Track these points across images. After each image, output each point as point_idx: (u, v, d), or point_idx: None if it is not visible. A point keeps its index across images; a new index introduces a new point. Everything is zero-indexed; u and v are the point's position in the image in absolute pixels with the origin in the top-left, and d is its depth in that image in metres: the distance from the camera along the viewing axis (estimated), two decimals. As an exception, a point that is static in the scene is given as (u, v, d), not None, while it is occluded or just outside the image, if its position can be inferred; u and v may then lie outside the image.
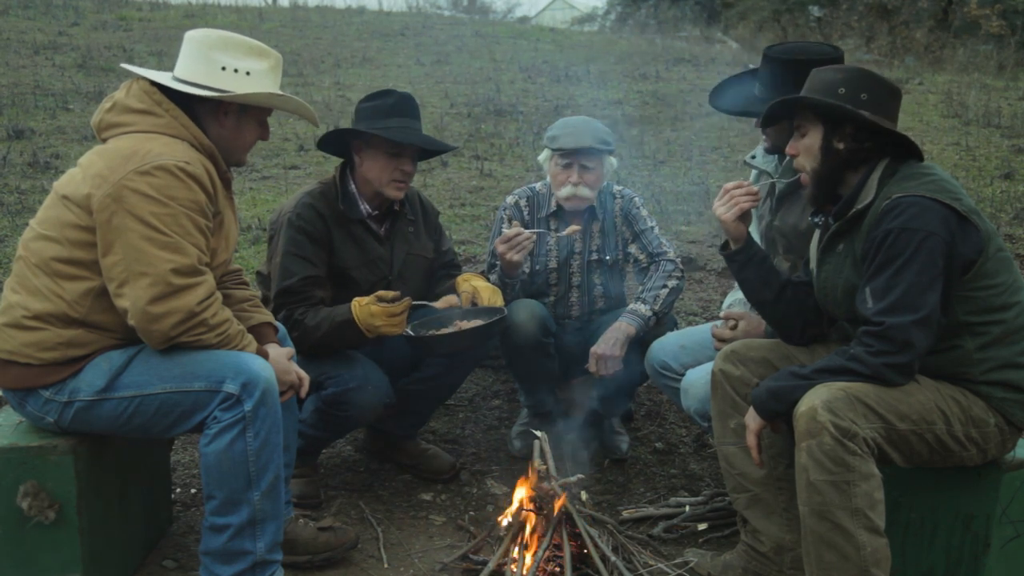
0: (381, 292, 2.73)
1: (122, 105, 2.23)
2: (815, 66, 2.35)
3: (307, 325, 2.76)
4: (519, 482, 2.67)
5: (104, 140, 2.24)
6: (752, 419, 2.27)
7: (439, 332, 2.89)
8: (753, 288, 2.55)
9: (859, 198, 2.24)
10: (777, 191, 2.80)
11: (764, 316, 2.61)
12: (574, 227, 3.17)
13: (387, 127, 2.84)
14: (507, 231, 3.03)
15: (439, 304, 3.00)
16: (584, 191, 3.22)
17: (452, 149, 3.13)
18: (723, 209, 2.49)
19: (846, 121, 2.24)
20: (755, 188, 2.51)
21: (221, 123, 2.30)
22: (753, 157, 2.93)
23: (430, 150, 3.04)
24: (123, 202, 2.07)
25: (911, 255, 2.07)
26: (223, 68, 2.26)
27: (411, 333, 2.85)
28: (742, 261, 2.53)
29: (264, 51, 2.34)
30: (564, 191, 3.23)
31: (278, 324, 2.60)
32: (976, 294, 2.16)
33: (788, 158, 2.49)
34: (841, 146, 2.25)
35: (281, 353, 2.41)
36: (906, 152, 2.26)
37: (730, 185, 2.51)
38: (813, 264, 2.46)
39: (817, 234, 2.46)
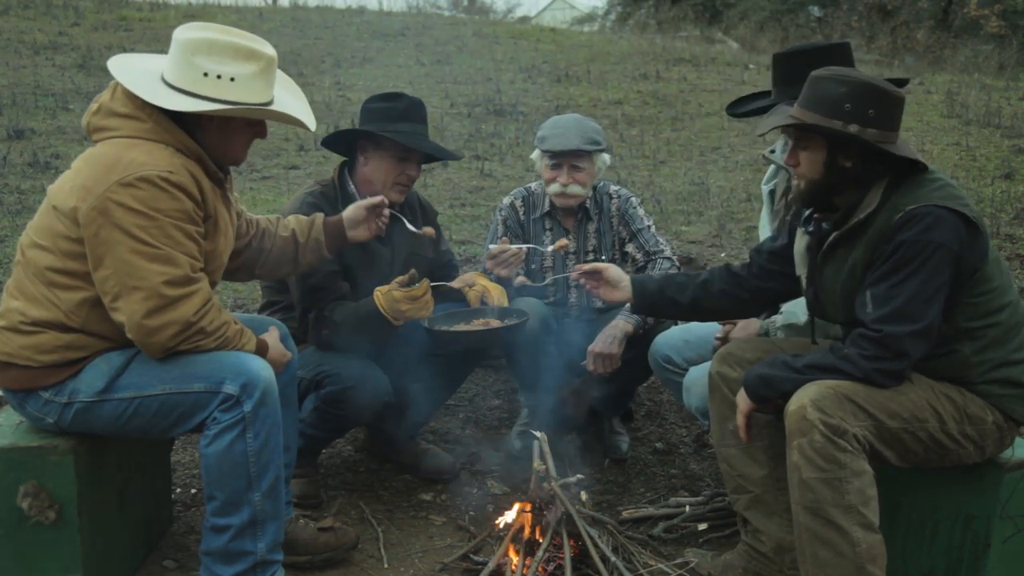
0: (399, 278, 2.72)
1: (107, 108, 2.19)
2: (820, 54, 2.29)
3: (335, 322, 2.77)
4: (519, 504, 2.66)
5: (95, 141, 2.21)
6: (742, 400, 2.29)
7: (468, 328, 2.89)
8: (675, 316, 2.89)
9: (860, 208, 2.20)
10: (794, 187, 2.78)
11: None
12: (562, 242, 3.19)
13: (398, 131, 2.85)
14: (492, 248, 3.05)
15: (456, 283, 3.01)
16: (575, 189, 3.25)
17: (458, 158, 3.15)
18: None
19: (853, 142, 2.16)
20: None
21: (205, 129, 2.24)
22: (772, 151, 2.92)
23: (434, 156, 3.05)
24: (109, 215, 2.04)
25: (919, 265, 2.06)
26: (205, 74, 2.15)
27: (435, 328, 2.86)
28: (646, 311, 2.81)
29: (253, 53, 2.21)
30: (553, 188, 3.26)
31: (279, 324, 2.58)
32: (977, 300, 2.16)
33: None
34: (848, 164, 2.19)
35: (277, 338, 2.42)
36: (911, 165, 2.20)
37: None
38: (801, 270, 2.43)
39: (804, 240, 2.40)
